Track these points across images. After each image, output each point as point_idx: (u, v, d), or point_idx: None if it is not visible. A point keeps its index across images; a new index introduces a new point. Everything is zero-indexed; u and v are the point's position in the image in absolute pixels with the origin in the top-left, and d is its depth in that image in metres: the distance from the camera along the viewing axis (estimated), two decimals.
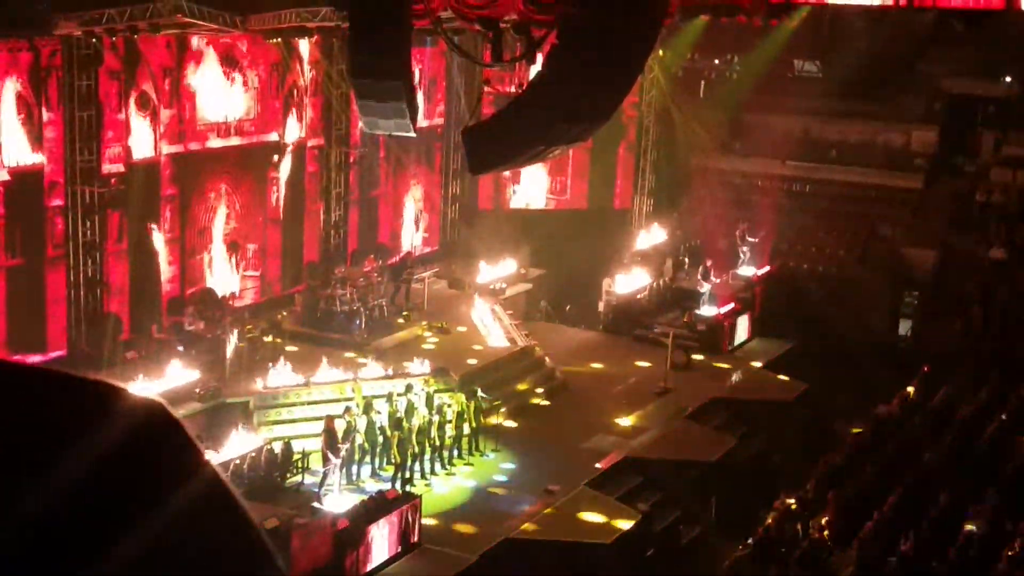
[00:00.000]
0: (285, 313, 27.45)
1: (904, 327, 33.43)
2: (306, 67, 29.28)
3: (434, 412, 21.40)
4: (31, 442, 1.04)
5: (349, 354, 24.61)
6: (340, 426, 19.94)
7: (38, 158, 23.29)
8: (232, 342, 23.43)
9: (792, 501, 19.69)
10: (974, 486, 19.59)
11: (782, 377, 27.16)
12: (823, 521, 18.53)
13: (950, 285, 32.04)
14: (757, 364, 27.93)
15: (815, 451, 24.21)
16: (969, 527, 17.92)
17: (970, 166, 36.24)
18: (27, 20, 22.10)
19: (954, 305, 30.64)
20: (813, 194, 36.67)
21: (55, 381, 1.11)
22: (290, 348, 25.02)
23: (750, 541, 18.63)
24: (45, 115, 23.20)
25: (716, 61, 37.31)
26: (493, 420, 23.18)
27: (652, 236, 34.19)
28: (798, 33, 34.78)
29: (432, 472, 21.22)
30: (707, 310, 29.74)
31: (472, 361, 25.27)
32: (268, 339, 25.05)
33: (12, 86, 22.59)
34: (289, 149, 29.37)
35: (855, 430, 23.63)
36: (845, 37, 36.89)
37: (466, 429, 21.97)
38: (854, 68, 35.29)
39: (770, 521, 18.93)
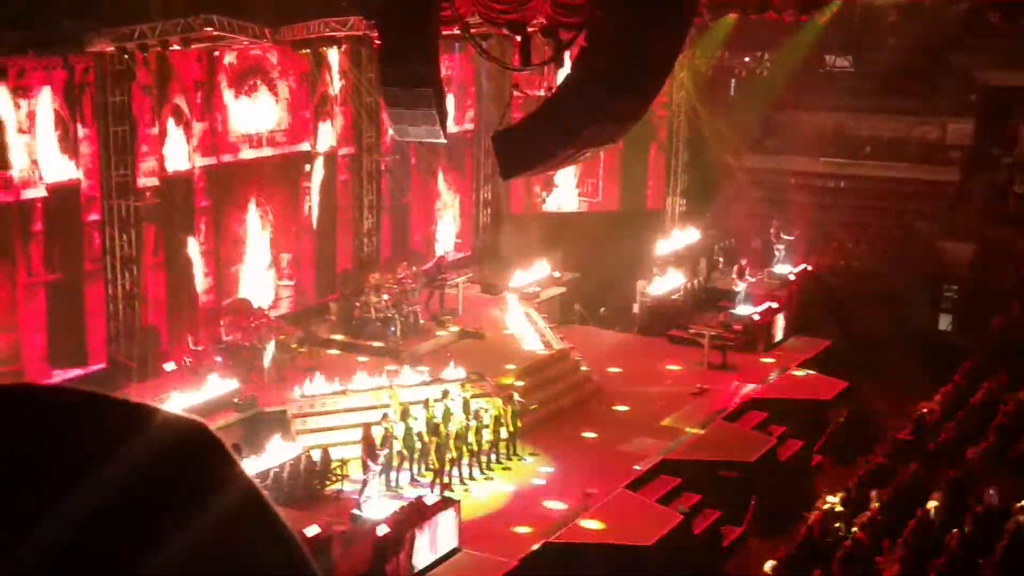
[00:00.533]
0: (320, 321, 27.54)
1: (944, 322, 33.14)
2: (335, 76, 29.40)
3: (471, 417, 21.39)
4: (63, 460, 1.04)
5: (385, 362, 24.65)
6: (378, 433, 19.97)
7: (74, 174, 23.52)
8: (268, 351, 23.55)
9: (834, 501, 19.54)
10: (1020, 482, 19.37)
11: (820, 375, 26.96)
12: (866, 521, 18.38)
13: (989, 278, 31.75)
14: (794, 363, 27.73)
15: (856, 450, 24.06)
16: (1014, 523, 17.72)
17: (1007, 157, 35.87)
18: (60, 38, 22.34)
19: (994, 299, 30.36)
20: (847, 190, 36.45)
21: (89, 401, 1.11)
22: (326, 356, 25.09)
23: (792, 542, 18.51)
24: (80, 131, 23.43)
25: (746, 58, 37.17)
26: (530, 424, 23.14)
27: (685, 236, 34.06)
28: (829, 28, 34.58)
29: (470, 477, 21.22)
30: (743, 309, 29.58)
31: (508, 365, 25.25)
32: (304, 348, 25.13)
33: (48, 103, 22.82)
34: (320, 158, 29.50)
35: (897, 428, 23.43)
36: (877, 31, 36.67)
37: (503, 433, 21.96)
38: (886, 62, 35.05)
39: (812, 522, 18.80)
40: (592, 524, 19.42)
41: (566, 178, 37.08)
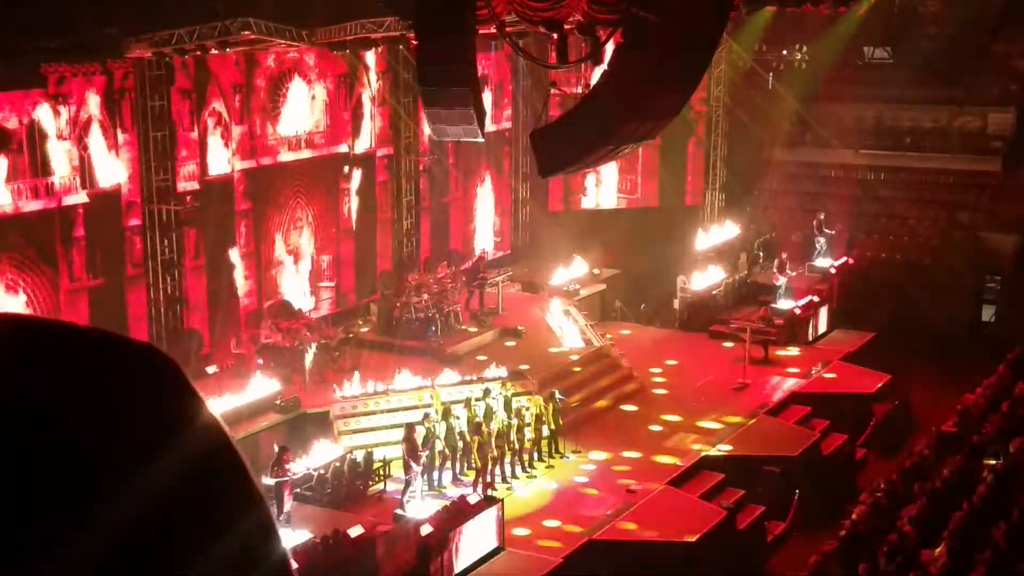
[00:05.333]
0: (361, 322, 27.64)
1: (987, 313, 32.87)
2: (373, 77, 29.51)
3: (513, 415, 21.41)
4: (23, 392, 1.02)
5: (426, 363, 24.71)
6: (420, 433, 20.02)
7: (115, 179, 23.72)
8: (310, 353, 23.66)
9: (879, 494, 19.41)
10: None
11: (863, 369, 26.79)
12: (911, 514, 18.25)
13: None
14: (837, 356, 27.58)
15: (900, 443, 23.90)
16: None
17: None
18: (99, 44, 22.52)
19: None
20: (888, 182, 36.16)
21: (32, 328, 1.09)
22: (367, 357, 25.17)
23: (837, 536, 18.41)
24: (120, 137, 23.62)
25: (784, 52, 36.91)
26: (572, 421, 23.14)
27: (725, 231, 33.95)
28: (867, 19, 34.33)
29: (513, 475, 21.24)
30: (784, 303, 29.45)
31: (549, 363, 25.25)
32: (345, 349, 25.21)
33: (88, 110, 23.03)
34: (359, 160, 29.60)
35: (941, 421, 23.23)
36: (915, 21, 36.36)
37: (545, 431, 21.96)
38: (926, 52, 34.76)
39: (856, 516, 18.68)
40: (635, 521, 19.40)
41: (605, 175, 37.01)
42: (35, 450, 0.99)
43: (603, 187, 37.48)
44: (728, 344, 27.81)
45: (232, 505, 1.07)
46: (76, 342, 1.09)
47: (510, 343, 26.80)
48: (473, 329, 27.09)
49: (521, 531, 19.22)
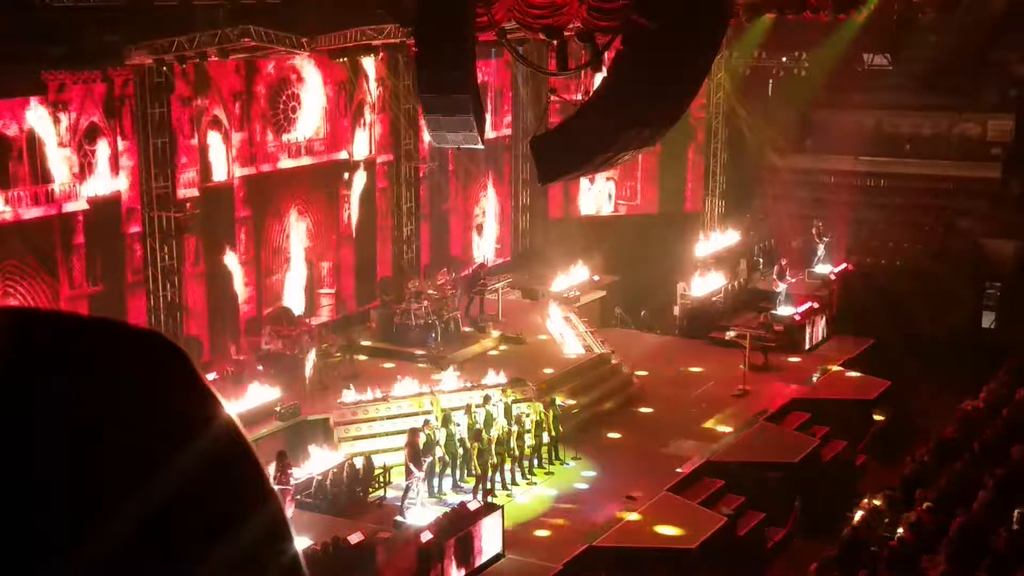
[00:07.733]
0: (361, 329, 27.62)
1: (987, 319, 32.85)
2: (372, 84, 29.53)
3: (513, 422, 21.40)
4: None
5: (425, 367, 24.73)
6: (421, 439, 20.01)
7: (115, 186, 23.73)
8: (310, 360, 23.66)
9: (879, 501, 19.40)
10: None
11: (863, 375, 26.79)
12: (911, 521, 18.23)
13: None
14: (836, 363, 27.58)
15: (900, 450, 23.88)
16: None
17: None
18: (100, 52, 22.54)
19: None
20: (888, 189, 36.19)
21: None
22: (367, 364, 25.18)
23: (837, 543, 18.39)
24: (120, 144, 23.63)
25: (784, 59, 36.96)
26: (572, 428, 23.12)
27: (725, 238, 33.95)
28: (867, 26, 34.36)
29: (513, 482, 21.22)
30: (783, 310, 29.47)
31: (549, 370, 25.25)
32: (345, 355, 25.22)
33: (88, 117, 23.05)
34: (359, 167, 29.62)
35: (942, 427, 23.22)
36: (915, 28, 36.39)
37: (545, 438, 21.95)
38: (925, 59, 34.80)
39: (857, 522, 18.67)
40: (635, 528, 19.38)
41: (602, 182, 37.02)
42: (40, 450, 0.97)
43: (600, 194, 37.45)
44: (728, 350, 27.78)
45: (243, 502, 1.05)
46: (80, 332, 1.06)
47: (510, 350, 26.79)
48: (473, 335, 27.09)
49: (521, 537, 19.20)
